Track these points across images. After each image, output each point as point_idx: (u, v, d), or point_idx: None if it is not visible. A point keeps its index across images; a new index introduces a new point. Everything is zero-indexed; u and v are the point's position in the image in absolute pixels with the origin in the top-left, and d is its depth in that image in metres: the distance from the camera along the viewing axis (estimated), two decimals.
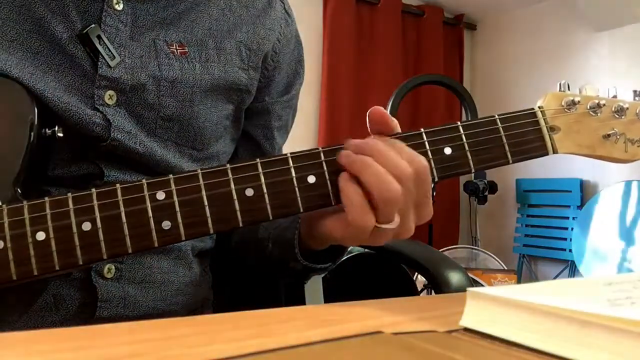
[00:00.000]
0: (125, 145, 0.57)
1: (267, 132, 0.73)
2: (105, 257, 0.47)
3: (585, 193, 3.09)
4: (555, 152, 0.56)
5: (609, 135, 0.58)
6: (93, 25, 0.56)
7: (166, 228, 0.48)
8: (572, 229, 3.04)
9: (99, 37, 0.56)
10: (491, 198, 3.23)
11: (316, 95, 3.08)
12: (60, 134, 0.54)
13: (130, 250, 0.47)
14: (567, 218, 3.11)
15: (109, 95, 0.57)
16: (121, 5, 0.59)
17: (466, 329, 0.34)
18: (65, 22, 0.57)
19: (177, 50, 0.61)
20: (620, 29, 2.95)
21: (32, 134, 0.53)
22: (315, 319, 0.38)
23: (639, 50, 2.84)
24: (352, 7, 3.16)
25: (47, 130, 0.54)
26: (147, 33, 0.60)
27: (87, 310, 0.57)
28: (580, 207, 3.05)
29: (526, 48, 3.41)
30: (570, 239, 3.02)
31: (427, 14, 3.49)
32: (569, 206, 3.13)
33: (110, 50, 0.57)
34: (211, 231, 0.49)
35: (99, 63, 0.57)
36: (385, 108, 2.81)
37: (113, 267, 0.58)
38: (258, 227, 0.66)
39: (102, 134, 0.56)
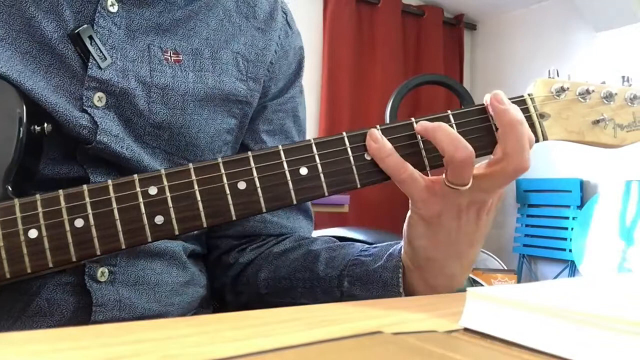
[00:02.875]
0: (111, 149, 0.56)
1: (255, 135, 0.71)
2: (99, 252, 0.47)
3: (585, 193, 3.08)
4: (545, 138, 0.56)
5: (598, 121, 0.58)
6: (85, 25, 0.56)
7: (159, 223, 0.48)
8: (572, 229, 3.04)
9: (90, 37, 0.56)
10: None
11: (316, 96, 3.08)
12: (50, 129, 0.54)
13: (123, 246, 0.47)
14: (567, 218, 3.11)
15: (98, 97, 0.56)
16: (115, 8, 0.58)
17: (466, 329, 0.34)
18: (58, 21, 0.56)
19: (171, 57, 0.61)
20: (620, 29, 2.95)
21: (21, 129, 0.52)
22: (315, 319, 0.37)
23: (639, 51, 2.84)
24: (352, 7, 3.16)
25: (36, 127, 0.53)
26: (142, 38, 0.59)
27: (82, 314, 0.56)
28: (580, 207, 3.05)
29: (526, 48, 3.41)
30: (570, 239, 3.02)
31: (427, 14, 3.48)
32: (569, 206, 3.12)
33: (101, 52, 0.56)
34: (204, 225, 0.49)
35: (89, 64, 0.56)
36: (385, 108, 2.77)
37: (106, 271, 0.57)
38: (314, 264, 0.63)
39: (89, 136, 0.55)
